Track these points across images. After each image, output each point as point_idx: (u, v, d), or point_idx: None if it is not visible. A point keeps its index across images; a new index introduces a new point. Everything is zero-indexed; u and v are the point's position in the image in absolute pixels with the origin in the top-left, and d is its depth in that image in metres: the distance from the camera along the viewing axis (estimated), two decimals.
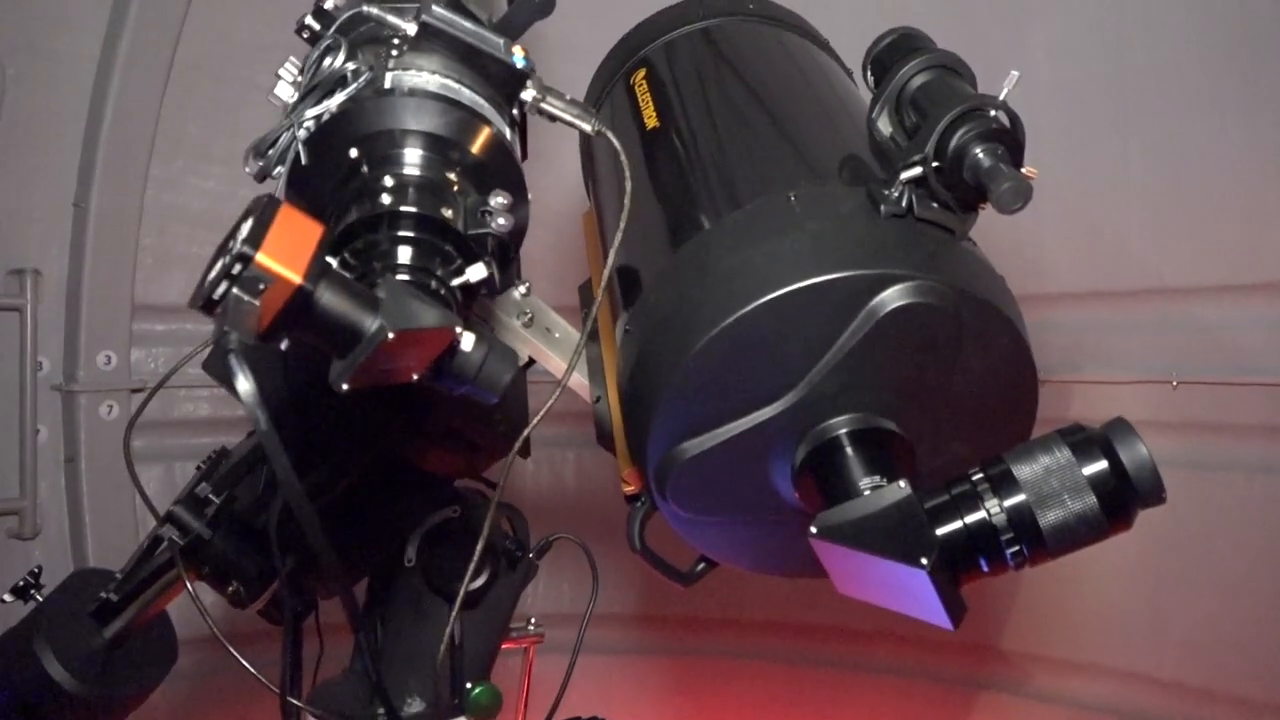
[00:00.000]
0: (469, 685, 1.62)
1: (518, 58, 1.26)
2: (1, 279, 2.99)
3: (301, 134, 1.18)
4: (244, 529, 1.56)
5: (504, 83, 1.26)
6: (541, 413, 1.40)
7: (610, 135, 1.30)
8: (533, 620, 1.89)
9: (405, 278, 1.10)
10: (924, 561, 1.07)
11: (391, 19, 1.25)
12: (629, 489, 1.48)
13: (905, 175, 1.27)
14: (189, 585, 1.53)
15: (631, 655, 3.56)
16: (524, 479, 3.55)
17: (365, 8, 1.26)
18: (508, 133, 1.25)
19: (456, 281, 1.12)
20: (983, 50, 1.37)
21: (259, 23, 3.11)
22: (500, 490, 1.45)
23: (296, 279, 0.99)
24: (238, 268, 0.98)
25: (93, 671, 1.61)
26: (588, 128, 1.29)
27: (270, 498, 1.59)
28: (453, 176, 1.19)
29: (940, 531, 1.12)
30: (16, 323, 2.99)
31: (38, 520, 3.01)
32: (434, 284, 1.10)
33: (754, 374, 1.27)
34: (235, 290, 0.97)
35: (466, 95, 1.24)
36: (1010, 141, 1.24)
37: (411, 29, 1.23)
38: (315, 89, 1.21)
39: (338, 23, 1.27)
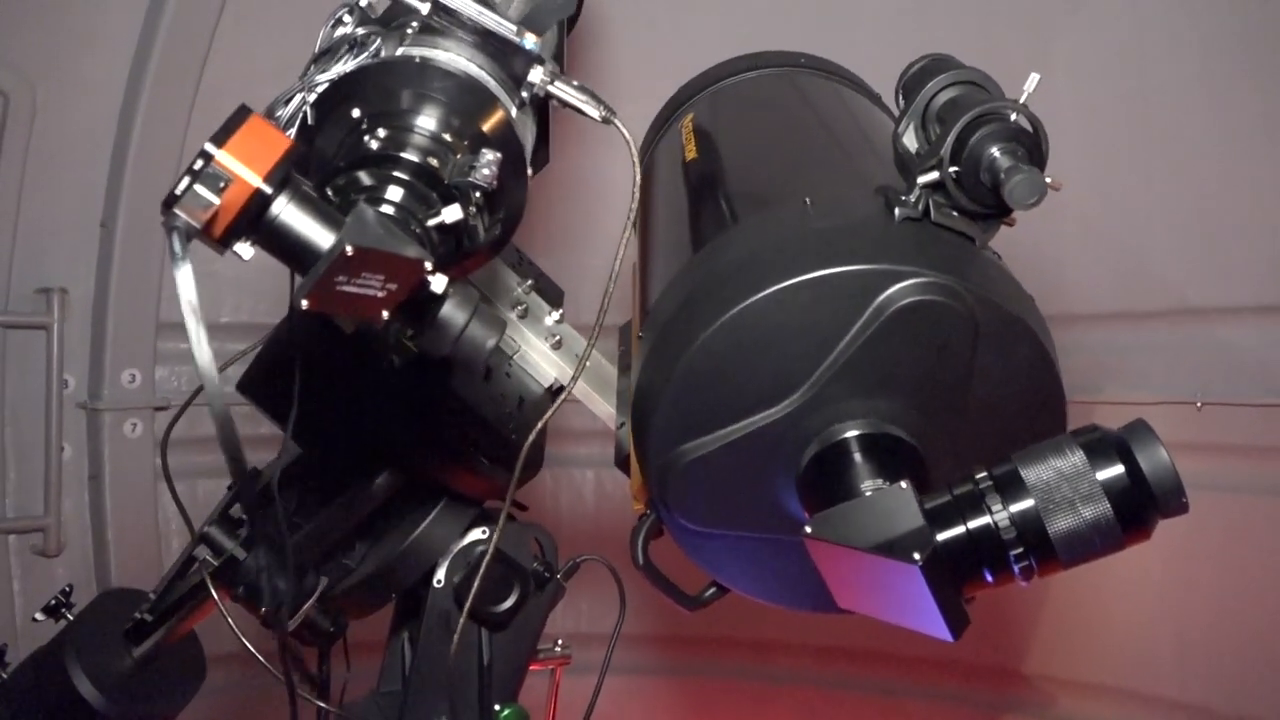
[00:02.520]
0: (497, 707, 1.62)
1: (528, 41, 1.27)
2: (29, 297, 3.02)
3: (311, 98, 1.21)
4: (277, 549, 1.57)
5: (514, 65, 1.27)
6: (543, 420, 1.40)
7: (618, 123, 1.30)
8: (559, 642, 1.89)
9: (382, 210, 1.10)
10: (916, 557, 1.00)
11: (407, 0, 1.28)
12: (638, 507, 1.47)
13: (922, 180, 1.24)
14: (222, 608, 1.54)
15: (652, 676, 3.54)
16: (544, 497, 3.54)
17: None
18: (514, 111, 1.26)
19: (432, 222, 1.12)
20: (1005, 71, 1.36)
21: (284, 45, 3.13)
22: (509, 499, 1.46)
23: (256, 180, 1.02)
24: (199, 164, 1.02)
25: (124, 691, 1.63)
26: (595, 114, 1.30)
27: (302, 517, 1.60)
28: (448, 137, 1.20)
29: (941, 536, 1.04)
30: (43, 341, 3.01)
31: (62, 538, 3.03)
32: (410, 221, 1.11)
33: (758, 372, 1.22)
34: (195, 186, 1.00)
35: (474, 71, 1.25)
36: (1031, 144, 1.20)
37: (425, 8, 1.27)
38: (326, 54, 1.24)
39: (359, 7, 1.30)
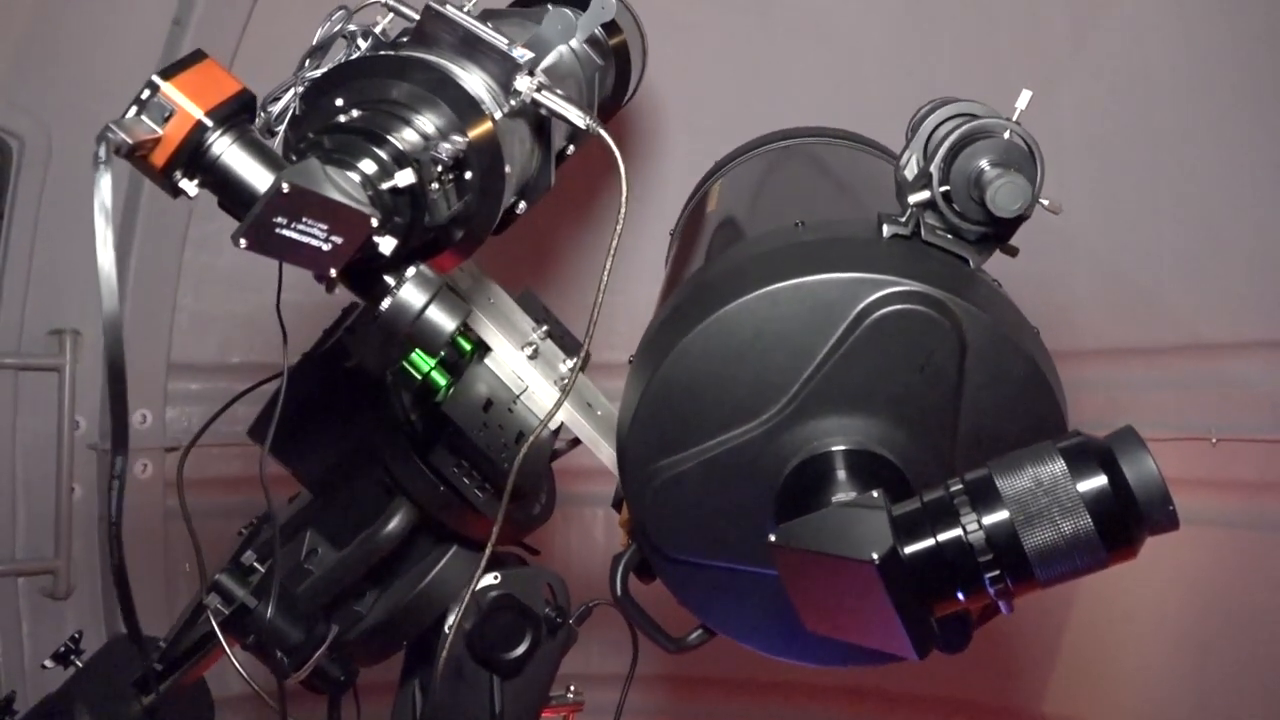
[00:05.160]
0: None
1: (517, 51, 1.30)
2: (42, 339, 3.03)
3: (302, 90, 1.26)
4: (288, 597, 1.57)
5: (502, 73, 1.30)
6: (529, 440, 1.39)
7: (603, 132, 1.31)
8: (571, 687, 1.87)
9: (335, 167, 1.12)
10: (873, 555, 0.93)
11: (402, 8, 1.35)
12: (626, 541, 1.45)
13: (913, 198, 1.22)
14: (233, 659, 1.54)
15: (666, 718, 3.50)
16: (554, 536, 3.52)
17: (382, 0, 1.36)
18: (497, 113, 1.28)
19: (385, 185, 1.13)
20: (1011, 108, 1.37)
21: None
22: (497, 526, 1.45)
23: (198, 113, 1.07)
24: (145, 94, 1.07)
25: None
26: (580, 122, 1.31)
27: (312, 564, 1.60)
28: (421, 122, 1.22)
29: (908, 549, 0.97)
30: (55, 382, 3.02)
31: (71, 580, 3.02)
32: (362, 180, 1.12)
33: (736, 384, 1.18)
34: (141, 115, 1.05)
35: (457, 71, 1.28)
36: (1023, 160, 1.17)
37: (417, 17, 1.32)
38: (319, 50, 1.29)
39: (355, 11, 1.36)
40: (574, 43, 1.58)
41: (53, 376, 3.02)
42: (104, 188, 1.05)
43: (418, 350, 1.60)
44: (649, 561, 1.34)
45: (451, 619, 1.63)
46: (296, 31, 1.40)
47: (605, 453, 1.58)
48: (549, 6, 1.59)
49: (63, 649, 1.73)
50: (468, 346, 1.66)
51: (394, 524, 1.60)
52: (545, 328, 1.71)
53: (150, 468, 3.11)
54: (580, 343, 1.73)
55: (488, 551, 1.46)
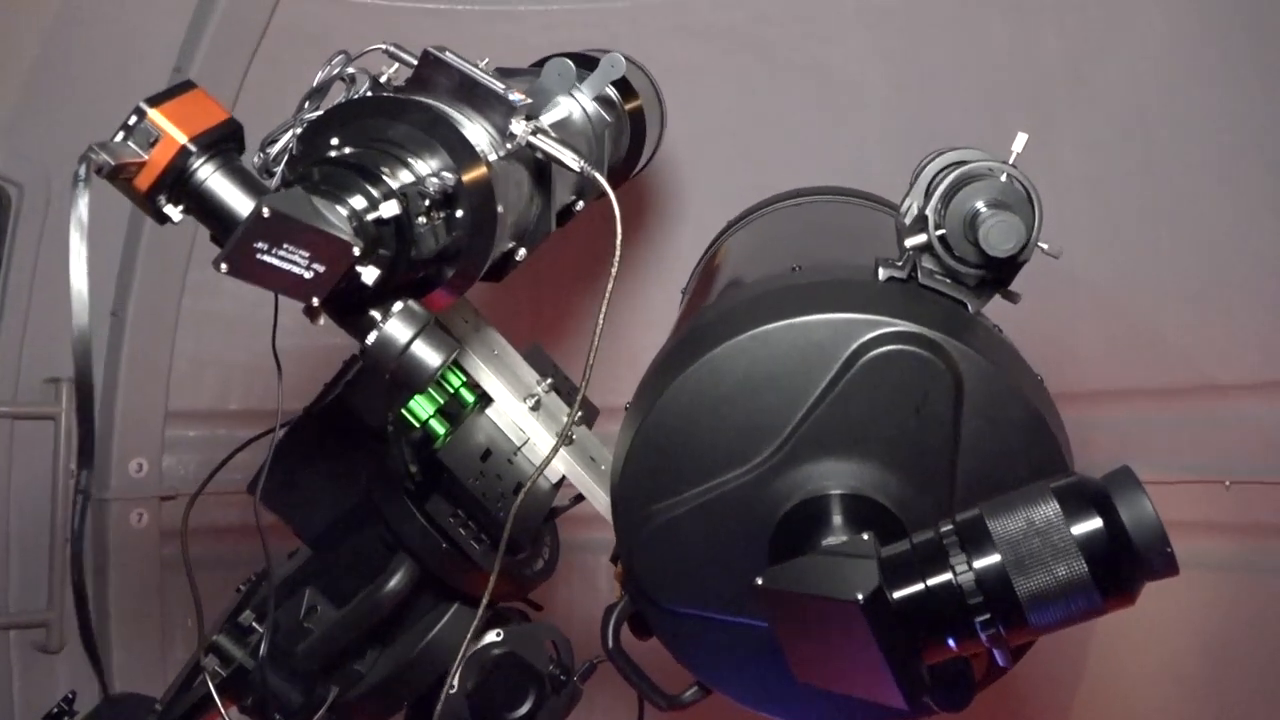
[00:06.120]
0: None
1: (514, 95, 1.31)
2: (37, 387, 3.03)
3: (300, 131, 1.28)
4: (286, 657, 1.56)
5: (498, 116, 1.32)
6: (525, 488, 1.38)
7: (598, 176, 1.32)
8: None
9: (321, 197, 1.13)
10: (858, 596, 0.91)
11: (403, 54, 1.38)
12: (620, 593, 1.42)
13: (909, 242, 1.22)
14: None
15: None
16: (555, 587, 3.49)
17: (384, 46, 1.39)
18: (492, 155, 1.29)
19: (371, 215, 1.14)
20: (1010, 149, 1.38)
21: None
22: (493, 575, 1.44)
23: (182, 138, 1.09)
24: (133, 119, 1.10)
25: None
26: (574, 165, 1.32)
27: (312, 622, 1.59)
28: (413, 160, 1.24)
29: (897, 594, 0.94)
30: (50, 431, 3.02)
31: (64, 634, 3.00)
32: (347, 209, 1.13)
33: (727, 427, 1.17)
34: (127, 140, 1.09)
35: (452, 113, 1.30)
36: (1019, 202, 1.16)
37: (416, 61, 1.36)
38: (317, 93, 1.32)
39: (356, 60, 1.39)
40: (584, 100, 1.60)
41: (48, 425, 3.02)
42: (82, 206, 1.08)
43: (417, 398, 1.61)
44: (644, 613, 1.32)
45: (453, 678, 1.61)
46: (295, 80, 1.42)
47: (601, 502, 1.58)
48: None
49: (55, 710, 1.71)
50: (470, 398, 1.66)
51: (395, 581, 1.58)
52: (550, 380, 1.71)
53: (146, 517, 3.10)
54: (587, 400, 1.73)
55: (484, 603, 1.45)
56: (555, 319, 3.23)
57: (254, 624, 1.57)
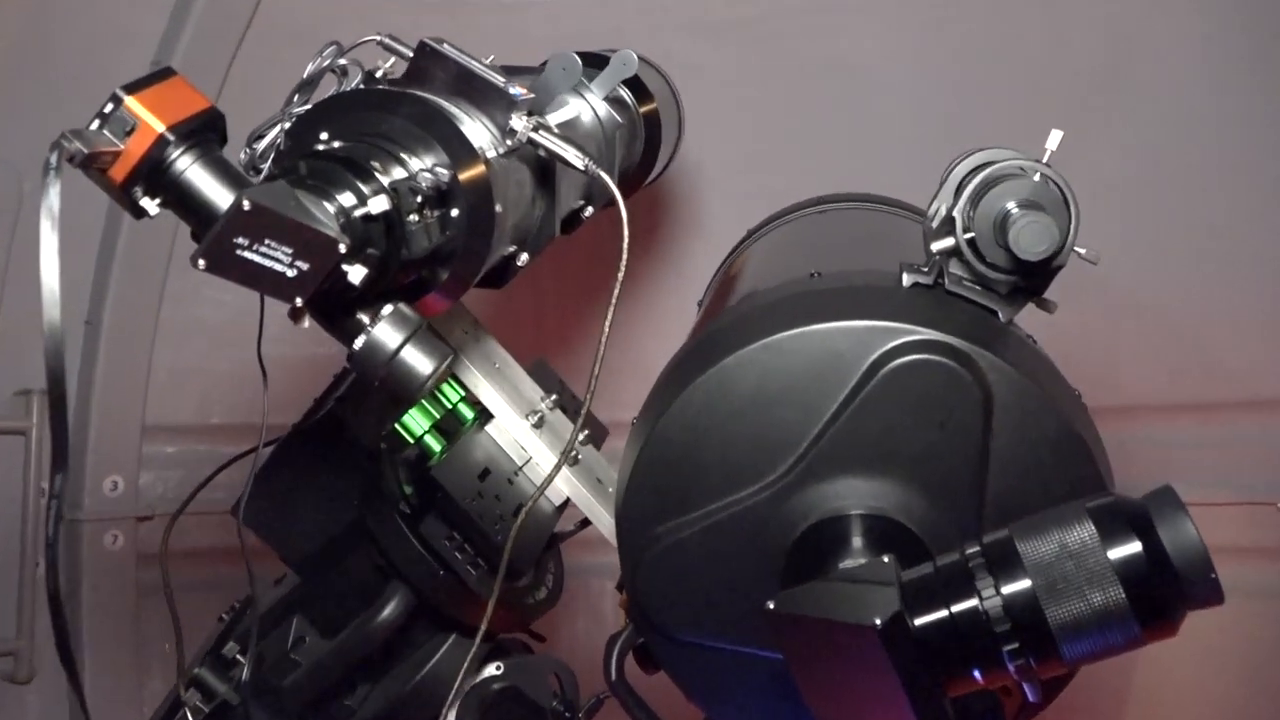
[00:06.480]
0: None
1: (515, 89, 1.32)
2: (7, 400, 3.04)
3: (289, 126, 1.30)
4: (273, 692, 1.56)
5: (498, 111, 1.33)
6: (525, 508, 1.38)
7: (603, 175, 1.33)
8: None
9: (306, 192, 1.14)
10: (875, 621, 0.90)
11: (399, 46, 1.39)
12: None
13: (936, 245, 1.21)
14: None
15: None
16: (560, 615, 3.49)
17: (378, 37, 1.41)
18: (490, 152, 1.30)
19: (359, 212, 1.15)
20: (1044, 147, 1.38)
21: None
22: (492, 601, 1.44)
23: (160, 127, 1.10)
24: (109, 107, 1.11)
25: None
26: (578, 163, 1.33)
27: (300, 654, 1.59)
28: (406, 156, 1.24)
29: (919, 621, 0.93)
30: (21, 446, 3.03)
31: (34, 663, 3.00)
32: (333, 204, 1.13)
33: (740, 442, 1.17)
34: (103, 129, 1.10)
35: (448, 107, 1.31)
36: (1053, 203, 1.16)
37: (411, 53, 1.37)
38: (307, 85, 1.33)
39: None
40: (594, 100, 1.61)
41: (18, 441, 3.03)
42: (53, 195, 1.08)
43: (411, 413, 1.61)
44: (648, 643, 1.31)
45: (451, 714, 1.61)
46: (282, 75, 1.43)
47: (607, 525, 1.57)
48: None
49: None
50: (469, 414, 1.66)
51: (389, 610, 1.58)
52: (555, 397, 1.71)
53: (121, 539, 3.09)
54: (594, 418, 1.73)
55: (481, 631, 1.45)
56: (558, 331, 3.23)
57: (238, 656, 1.57)
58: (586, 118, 1.64)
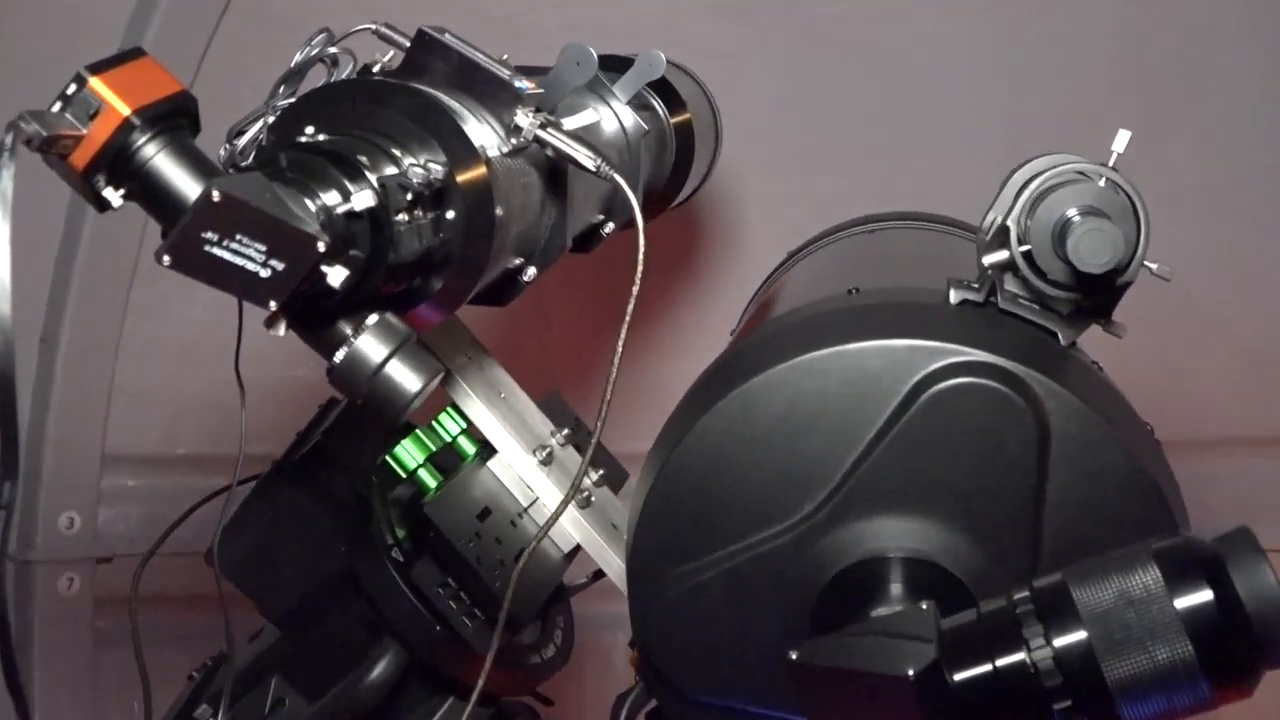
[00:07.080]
0: None
1: (521, 83, 1.33)
2: None
3: (273, 119, 1.30)
4: None
5: (503, 107, 1.34)
6: (528, 551, 1.39)
7: (617, 177, 1.32)
8: None
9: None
10: (909, 672, 0.90)
11: (396, 36, 1.41)
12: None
13: (988, 259, 1.21)
14: None
15: None
16: (569, 675, 3.48)
17: (373, 26, 1.42)
18: (492, 151, 1.30)
19: (341, 208, 1.15)
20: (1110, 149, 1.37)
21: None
22: (490, 655, 1.44)
23: (125, 110, 1.10)
24: (72, 88, 1.11)
25: None
26: (590, 164, 1.33)
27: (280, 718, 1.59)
28: (397, 152, 1.25)
29: (959, 675, 0.93)
30: None
31: None
32: (315, 201, 1.14)
33: (764, 475, 1.17)
34: (65, 111, 1.10)
35: (445, 100, 1.31)
36: (1120, 212, 1.15)
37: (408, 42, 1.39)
38: (294, 76, 1.34)
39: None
40: (618, 105, 1.61)
41: None
42: (6, 178, 1.08)
43: (403, 444, 1.61)
44: (659, 702, 1.31)
45: None
46: (262, 66, 1.44)
47: (618, 571, 1.57)
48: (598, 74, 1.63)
49: None
50: (471, 449, 1.65)
51: (379, 670, 1.57)
52: (567, 432, 1.70)
53: (77, 583, 3.09)
54: (611, 458, 1.73)
55: (477, 690, 1.44)
56: (569, 357, 3.23)
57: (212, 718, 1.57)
58: (608, 125, 1.65)
